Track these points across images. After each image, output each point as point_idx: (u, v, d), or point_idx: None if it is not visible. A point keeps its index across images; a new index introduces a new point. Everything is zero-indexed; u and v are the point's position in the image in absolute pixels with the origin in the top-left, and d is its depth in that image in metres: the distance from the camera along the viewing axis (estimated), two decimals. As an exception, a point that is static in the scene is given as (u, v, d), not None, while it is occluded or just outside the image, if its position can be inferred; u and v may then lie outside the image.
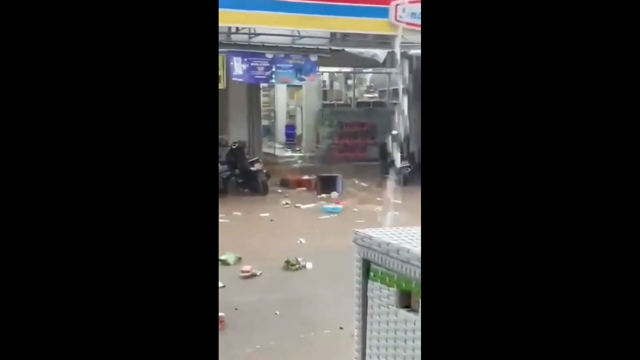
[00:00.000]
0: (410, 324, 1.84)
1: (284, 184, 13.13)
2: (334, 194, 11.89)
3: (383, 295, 1.98)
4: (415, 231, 2.06)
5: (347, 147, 17.79)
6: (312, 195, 12.00)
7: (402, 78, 16.43)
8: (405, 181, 12.51)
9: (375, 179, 13.38)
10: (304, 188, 12.90)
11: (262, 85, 16.83)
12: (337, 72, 21.19)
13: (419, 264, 1.77)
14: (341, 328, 4.53)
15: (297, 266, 6.59)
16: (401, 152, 12.62)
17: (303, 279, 6.25)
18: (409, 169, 13.37)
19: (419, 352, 1.77)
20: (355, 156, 17.47)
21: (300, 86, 19.46)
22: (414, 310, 1.85)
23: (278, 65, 13.01)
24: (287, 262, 6.63)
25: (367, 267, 2.05)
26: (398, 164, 12.27)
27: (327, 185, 12.22)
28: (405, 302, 1.91)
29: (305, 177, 13.57)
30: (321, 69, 18.57)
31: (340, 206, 10.39)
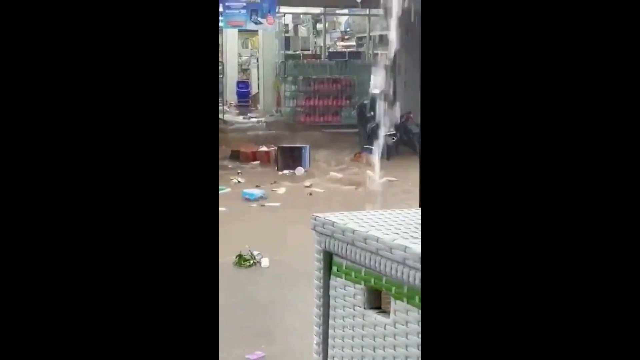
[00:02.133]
0: (379, 329, 1.93)
1: (235, 157, 13.18)
2: (299, 170, 11.98)
3: (348, 294, 2.06)
4: (389, 215, 2.15)
5: (316, 110, 17.88)
6: (272, 172, 12.08)
7: (386, 21, 16.50)
8: (388, 154, 12.63)
9: (353, 151, 13.50)
10: (260, 162, 12.97)
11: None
12: (303, 14, 21.18)
13: (391, 255, 1.86)
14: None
15: (251, 262, 6.69)
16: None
17: (258, 279, 6.35)
18: (394, 139, 13.48)
19: (390, 363, 1.87)
20: (327, 121, 17.59)
21: (256, 31, 19.45)
22: (385, 312, 1.94)
23: (227, 4, 12.99)
24: (239, 256, 6.71)
25: (329, 260, 2.14)
26: (383, 131, 12.39)
27: (290, 158, 12.31)
28: (374, 302, 2.00)
29: (263, 148, 13.63)
30: (282, 9, 18.57)
31: (260, 191, 10.05)
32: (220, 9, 12.89)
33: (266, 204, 9.50)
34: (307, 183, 10.93)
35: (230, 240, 7.23)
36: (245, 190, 10.09)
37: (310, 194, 10.23)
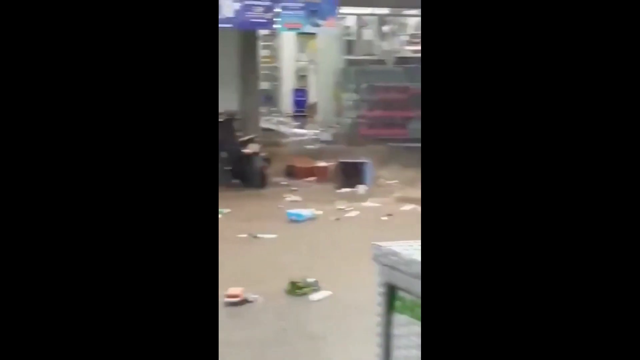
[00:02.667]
0: (447, 373, 1.92)
1: (291, 173, 13.22)
2: (361, 188, 11.96)
3: (412, 333, 2.05)
4: (459, 246, 2.15)
5: (381, 121, 17.85)
6: (330, 189, 12.07)
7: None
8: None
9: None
10: (317, 179, 12.97)
11: (261, 32, 16.93)
12: (367, 15, 21.21)
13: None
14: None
15: (304, 289, 6.68)
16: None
17: (312, 309, 6.34)
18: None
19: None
20: (393, 134, 17.53)
21: (315, 34, 19.55)
22: (453, 354, 1.93)
23: (284, 4, 13.10)
24: (293, 283, 6.71)
25: (391, 295, 2.13)
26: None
27: (350, 175, 12.29)
28: (441, 342, 1.99)
29: (321, 163, 13.66)
30: (344, 9, 18.62)
31: (309, 212, 9.97)
32: (277, 9, 13.01)
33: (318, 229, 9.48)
34: (368, 204, 10.91)
35: (270, 266, 7.24)
36: (291, 211, 10.01)
37: (338, 219, 10.06)
